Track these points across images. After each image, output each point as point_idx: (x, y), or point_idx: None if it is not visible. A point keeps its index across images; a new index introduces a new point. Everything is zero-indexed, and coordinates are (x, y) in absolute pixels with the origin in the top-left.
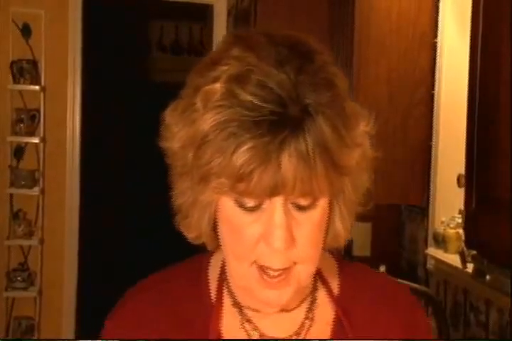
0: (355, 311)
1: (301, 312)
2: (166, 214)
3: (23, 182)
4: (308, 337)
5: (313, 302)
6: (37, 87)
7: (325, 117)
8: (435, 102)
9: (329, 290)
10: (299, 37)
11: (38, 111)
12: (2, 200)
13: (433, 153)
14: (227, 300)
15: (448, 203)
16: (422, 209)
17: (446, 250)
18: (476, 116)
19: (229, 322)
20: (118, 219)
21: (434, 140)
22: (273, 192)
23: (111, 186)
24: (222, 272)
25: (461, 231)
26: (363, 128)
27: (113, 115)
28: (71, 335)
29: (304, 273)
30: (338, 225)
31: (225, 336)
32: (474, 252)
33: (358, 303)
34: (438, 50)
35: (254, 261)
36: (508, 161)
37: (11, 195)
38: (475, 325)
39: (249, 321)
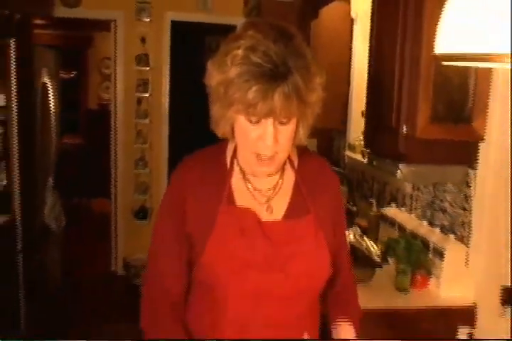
0: (306, 176)
1: (276, 177)
2: None
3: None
4: (279, 188)
5: (283, 171)
6: (148, 68)
7: (300, 74)
8: (351, 77)
9: (292, 165)
10: (286, 25)
11: (148, 80)
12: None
13: (349, 98)
14: (236, 168)
15: (356, 127)
16: (342, 131)
17: (354, 152)
18: (372, 81)
19: (236, 180)
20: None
21: (350, 92)
22: (268, 114)
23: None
24: (234, 152)
25: (362, 142)
26: (319, 80)
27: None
28: None
29: (282, 157)
30: (301, 133)
31: (234, 188)
32: (368, 151)
33: (308, 172)
34: (353, 52)
35: (254, 152)
36: (386, 105)
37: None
38: (366, 189)
39: (247, 180)
